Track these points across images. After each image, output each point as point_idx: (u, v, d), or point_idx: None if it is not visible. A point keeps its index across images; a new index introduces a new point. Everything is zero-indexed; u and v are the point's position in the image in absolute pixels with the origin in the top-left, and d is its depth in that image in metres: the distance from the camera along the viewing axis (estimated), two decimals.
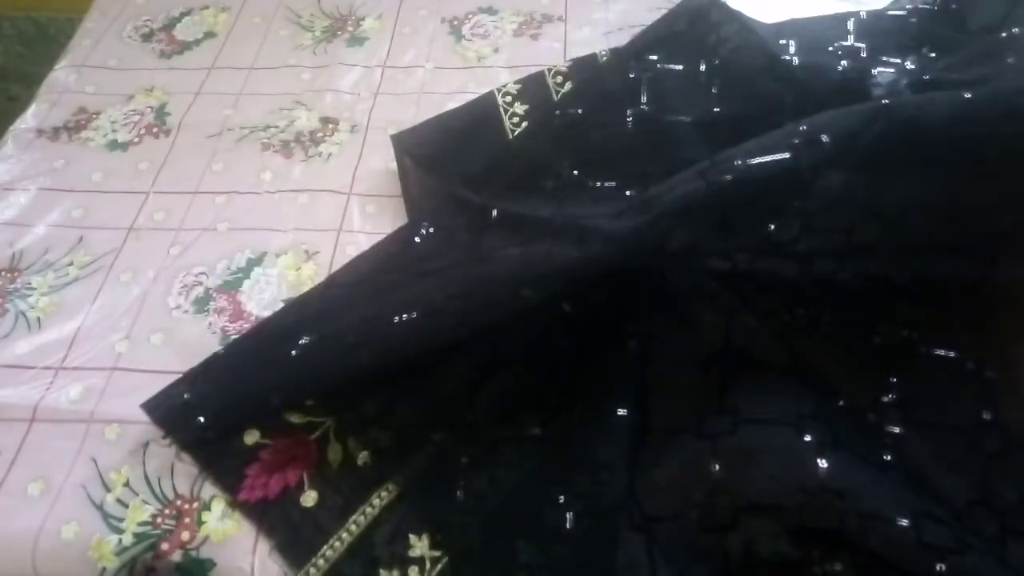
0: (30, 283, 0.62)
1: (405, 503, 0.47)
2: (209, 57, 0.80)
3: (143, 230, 0.65)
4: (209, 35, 0.83)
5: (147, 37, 0.84)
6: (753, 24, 0.67)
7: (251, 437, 0.49)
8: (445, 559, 0.45)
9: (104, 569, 0.46)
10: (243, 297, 0.59)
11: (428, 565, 0.44)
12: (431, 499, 0.47)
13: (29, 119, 0.76)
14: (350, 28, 0.81)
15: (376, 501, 0.47)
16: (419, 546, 0.45)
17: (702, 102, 0.64)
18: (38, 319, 0.59)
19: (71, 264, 0.63)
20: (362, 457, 0.48)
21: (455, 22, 0.82)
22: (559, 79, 0.67)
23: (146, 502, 0.49)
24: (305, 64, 0.77)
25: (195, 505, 0.49)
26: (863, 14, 0.68)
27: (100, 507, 0.49)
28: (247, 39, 0.82)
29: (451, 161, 0.63)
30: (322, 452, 0.48)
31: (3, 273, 0.63)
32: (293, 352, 0.50)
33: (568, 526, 0.45)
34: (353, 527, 0.46)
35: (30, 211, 0.67)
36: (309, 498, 0.47)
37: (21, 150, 0.73)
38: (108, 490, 0.50)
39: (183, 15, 0.86)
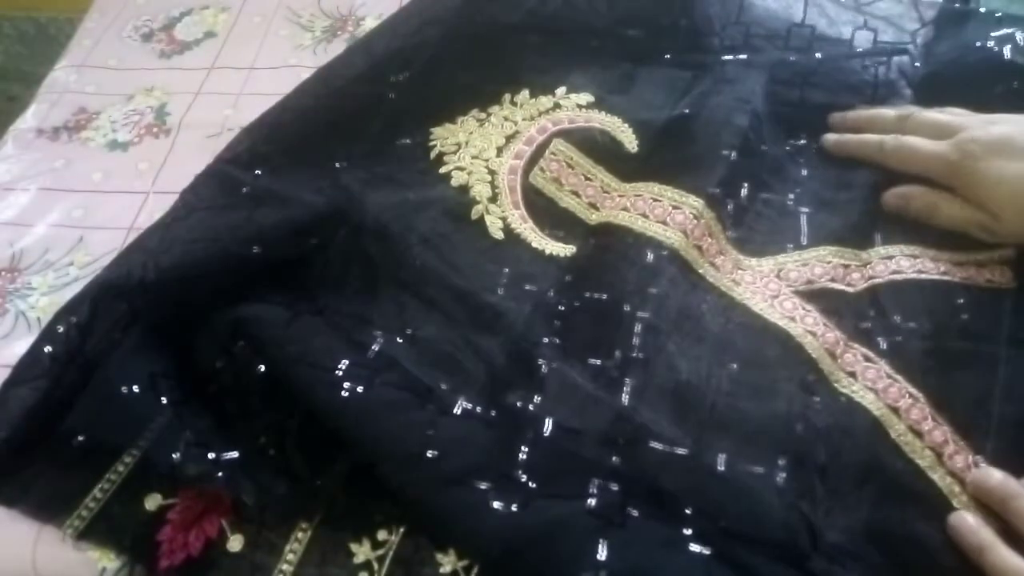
0: (30, 283, 0.62)
1: (336, 512, 0.46)
2: (209, 57, 0.80)
3: (143, 230, 0.64)
4: (209, 35, 0.83)
5: (147, 37, 0.84)
6: None
7: (152, 502, 0.47)
8: (390, 554, 0.44)
9: (104, 569, 0.46)
10: None
11: (376, 565, 0.44)
12: (357, 504, 0.46)
13: (29, 119, 0.76)
14: (350, 28, 0.80)
15: (305, 524, 0.45)
16: (362, 551, 0.44)
17: None
18: (38, 319, 0.59)
19: (71, 264, 0.63)
20: (279, 486, 0.45)
21: None
22: None
23: None
24: (305, 64, 0.77)
25: None
26: None
27: None
28: (247, 39, 0.82)
29: None
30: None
31: (3, 273, 0.63)
32: None
33: None
34: (291, 556, 0.44)
35: (30, 211, 0.67)
36: (236, 543, 0.45)
37: (21, 150, 0.73)
38: None
39: (183, 15, 0.86)
